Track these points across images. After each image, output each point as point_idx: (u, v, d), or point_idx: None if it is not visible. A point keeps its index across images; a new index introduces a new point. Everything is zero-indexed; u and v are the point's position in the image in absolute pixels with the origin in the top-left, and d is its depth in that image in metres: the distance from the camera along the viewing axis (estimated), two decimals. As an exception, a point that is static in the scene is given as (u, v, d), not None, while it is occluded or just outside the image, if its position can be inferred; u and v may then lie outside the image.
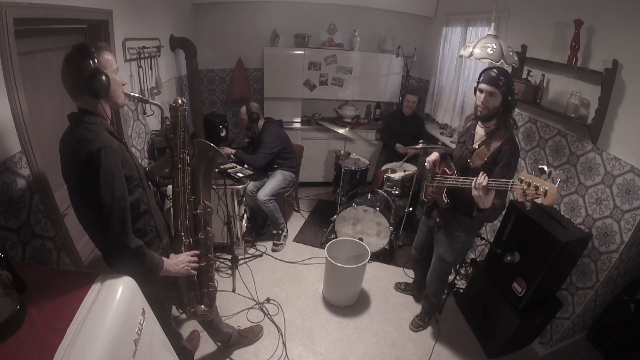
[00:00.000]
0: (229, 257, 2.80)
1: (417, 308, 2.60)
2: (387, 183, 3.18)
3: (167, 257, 1.37)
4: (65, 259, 1.58)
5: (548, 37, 2.28)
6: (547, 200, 1.29)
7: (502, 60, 2.10)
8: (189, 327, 2.29)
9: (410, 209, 3.07)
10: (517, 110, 2.55)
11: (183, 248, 1.45)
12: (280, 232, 3.25)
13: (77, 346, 0.84)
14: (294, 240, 3.36)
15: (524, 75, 2.40)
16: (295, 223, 3.63)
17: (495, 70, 1.68)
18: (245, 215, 3.22)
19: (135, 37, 2.30)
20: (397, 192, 3.14)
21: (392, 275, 2.97)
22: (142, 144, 2.51)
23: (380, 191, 3.15)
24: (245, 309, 2.50)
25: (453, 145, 3.12)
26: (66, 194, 1.21)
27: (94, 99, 1.15)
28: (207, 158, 1.55)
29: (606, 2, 1.89)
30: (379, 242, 3.04)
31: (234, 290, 2.65)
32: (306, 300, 2.65)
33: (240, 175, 2.73)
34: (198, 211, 1.51)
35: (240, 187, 2.77)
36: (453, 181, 1.81)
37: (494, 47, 2.10)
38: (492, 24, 2.24)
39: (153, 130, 2.69)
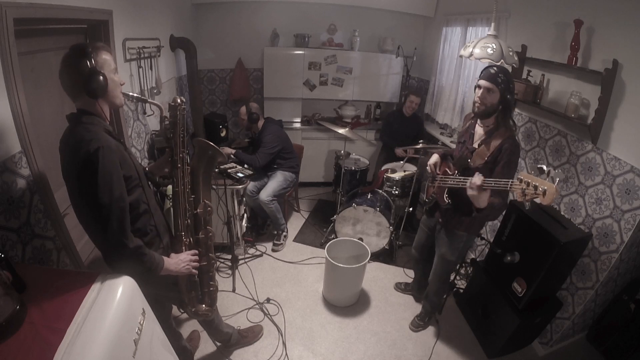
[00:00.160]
0: (229, 257, 2.80)
1: (417, 308, 2.60)
2: (387, 183, 3.18)
3: (168, 256, 1.37)
4: (65, 259, 1.58)
5: (548, 37, 2.28)
6: (546, 199, 1.29)
7: (502, 60, 2.10)
8: (189, 327, 2.29)
9: (410, 209, 3.07)
10: (517, 110, 2.55)
11: (184, 247, 1.45)
12: (281, 232, 3.25)
13: (77, 346, 0.84)
14: (294, 240, 3.36)
15: (524, 75, 2.40)
16: (295, 223, 3.63)
17: (494, 68, 1.69)
18: (245, 215, 3.22)
19: (135, 37, 2.30)
20: (397, 192, 3.14)
21: (392, 275, 2.97)
22: (142, 144, 2.51)
23: (380, 191, 3.15)
24: (245, 309, 2.50)
25: (453, 145, 3.12)
26: (66, 194, 1.21)
27: (91, 99, 1.15)
28: (206, 157, 1.55)
29: (606, 2, 1.89)
30: (379, 242, 3.04)
31: (234, 290, 2.66)
32: (306, 300, 2.65)
33: (240, 175, 2.73)
34: (198, 210, 1.51)
35: (240, 187, 2.77)
36: (453, 181, 1.81)
37: (494, 47, 2.10)
38: (492, 24, 2.24)
39: (153, 130, 2.69)
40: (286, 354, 2.20)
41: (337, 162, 3.63)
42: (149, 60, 2.53)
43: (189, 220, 1.48)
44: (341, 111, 4.32)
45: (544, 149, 2.37)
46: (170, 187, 1.51)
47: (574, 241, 1.91)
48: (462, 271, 2.91)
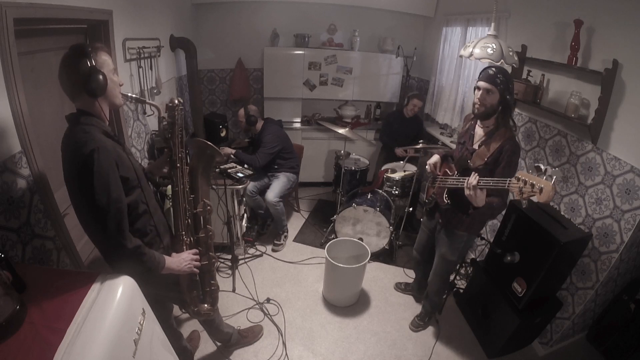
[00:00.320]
0: (229, 257, 2.80)
1: (417, 308, 2.60)
2: (387, 183, 3.17)
3: (169, 256, 1.37)
4: (65, 259, 1.58)
5: (548, 37, 2.28)
6: (542, 197, 1.29)
7: (502, 60, 2.10)
8: (189, 327, 2.29)
9: (410, 209, 3.07)
10: (517, 110, 2.55)
11: (185, 247, 1.46)
12: (281, 232, 3.26)
13: (77, 346, 0.84)
14: (294, 240, 3.36)
15: (524, 75, 2.40)
16: (295, 223, 3.63)
17: (493, 69, 1.69)
18: (245, 215, 3.22)
19: (135, 37, 2.30)
20: (397, 192, 3.14)
21: (392, 275, 2.97)
22: (142, 144, 2.51)
23: (380, 191, 3.15)
24: (245, 309, 2.50)
25: (453, 145, 3.13)
26: (66, 194, 1.21)
27: (91, 98, 1.15)
28: (205, 157, 1.56)
29: (606, 2, 1.89)
30: (379, 242, 3.04)
31: (234, 290, 2.66)
32: (306, 300, 2.65)
33: (240, 175, 2.73)
34: (198, 210, 1.52)
35: (240, 187, 2.78)
36: (453, 182, 1.81)
37: (494, 47, 2.10)
38: (492, 24, 2.24)
39: (153, 130, 2.69)
40: (286, 354, 2.20)
41: (337, 162, 3.63)
42: (149, 60, 2.53)
43: (189, 220, 1.48)
44: (341, 111, 4.32)
45: (544, 149, 2.37)
46: (169, 187, 1.51)
47: (574, 241, 1.91)
48: (462, 271, 2.91)
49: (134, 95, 1.44)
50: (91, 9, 1.76)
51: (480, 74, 1.75)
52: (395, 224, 3.08)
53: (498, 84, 1.65)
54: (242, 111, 3.10)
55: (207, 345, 2.20)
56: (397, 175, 3.16)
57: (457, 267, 2.70)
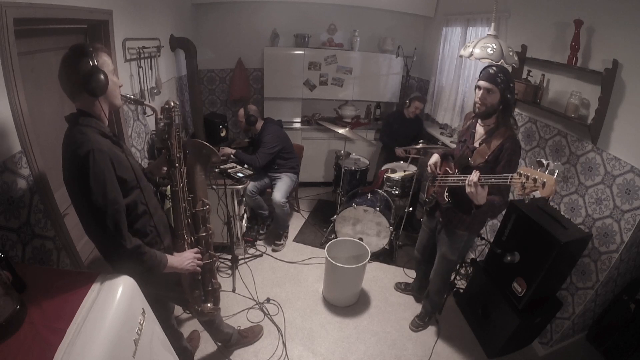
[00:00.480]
0: (229, 257, 2.80)
1: (417, 308, 2.60)
2: (387, 183, 3.17)
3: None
4: (65, 259, 1.58)
5: (548, 37, 2.28)
6: (545, 191, 1.27)
7: (502, 60, 2.10)
8: (189, 327, 2.29)
9: (410, 209, 3.07)
10: (517, 110, 2.55)
11: (186, 246, 1.46)
12: (282, 232, 3.26)
13: (77, 346, 0.84)
14: (294, 240, 3.36)
15: (524, 75, 2.40)
16: (295, 223, 3.63)
17: (493, 68, 1.69)
18: (245, 215, 3.23)
19: (135, 37, 2.30)
20: (397, 192, 3.14)
21: (392, 275, 2.97)
22: (142, 144, 2.51)
23: (380, 191, 3.15)
24: (245, 309, 2.50)
25: (453, 145, 3.13)
26: (66, 194, 1.21)
27: (92, 98, 1.15)
28: (202, 156, 1.59)
29: (606, 2, 1.89)
30: (379, 242, 3.04)
31: (234, 290, 2.66)
32: (306, 300, 2.65)
33: (240, 175, 2.73)
34: (197, 209, 1.53)
35: (240, 187, 2.77)
36: (453, 180, 1.81)
37: (494, 47, 2.10)
38: (492, 24, 2.24)
39: (153, 130, 2.69)
40: (286, 354, 2.20)
41: (337, 162, 3.63)
42: (149, 60, 2.53)
43: (188, 220, 1.49)
44: (341, 111, 4.32)
45: (544, 149, 2.37)
46: (169, 187, 1.52)
47: (574, 241, 1.90)
48: (462, 271, 2.91)
49: (131, 97, 1.44)
50: (91, 9, 1.76)
51: (480, 73, 1.75)
52: (395, 224, 3.08)
53: (499, 83, 1.65)
54: (241, 111, 3.10)
55: (207, 345, 2.20)
56: (397, 175, 3.16)
57: (457, 267, 2.70)
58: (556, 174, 1.26)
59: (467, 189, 1.59)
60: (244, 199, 3.07)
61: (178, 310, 2.29)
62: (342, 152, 3.40)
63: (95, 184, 1.09)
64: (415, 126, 3.70)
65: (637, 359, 2.00)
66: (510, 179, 1.43)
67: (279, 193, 3.03)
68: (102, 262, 1.26)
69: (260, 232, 3.36)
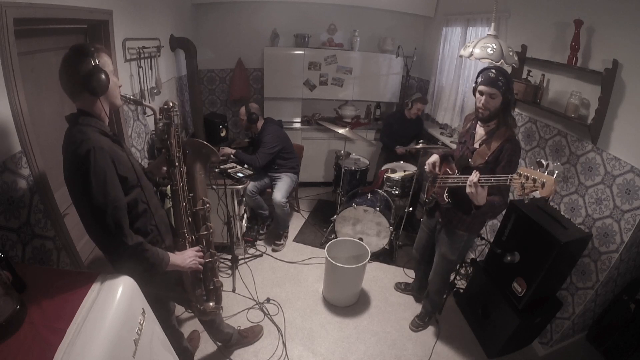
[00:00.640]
0: (229, 257, 2.80)
1: (417, 308, 2.60)
2: (387, 183, 3.17)
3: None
4: (65, 259, 1.58)
5: (548, 37, 2.28)
6: (545, 191, 1.28)
7: (502, 60, 2.10)
8: (189, 327, 2.29)
9: (410, 209, 3.07)
10: (517, 110, 2.55)
11: (187, 245, 1.47)
12: (282, 232, 3.26)
13: (77, 346, 0.84)
14: (294, 240, 3.36)
15: (524, 75, 2.40)
16: (295, 223, 3.63)
17: (493, 71, 1.68)
18: (245, 215, 3.22)
19: (135, 37, 2.30)
20: (397, 192, 3.14)
21: (392, 275, 2.97)
22: (142, 144, 2.51)
23: (380, 191, 3.15)
24: (245, 309, 2.50)
25: (453, 146, 3.13)
26: (66, 194, 1.22)
27: (93, 97, 1.16)
28: (201, 155, 1.60)
29: (606, 2, 1.89)
30: (379, 242, 3.04)
31: (234, 290, 2.66)
32: (306, 300, 2.65)
33: (240, 175, 2.73)
34: (197, 208, 1.54)
35: (240, 187, 2.77)
36: (453, 180, 1.81)
37: (494, 47, 2.10)
38: (492, 24, 2.23)
39: (153, 130, 2.69)
40: (286, 354, 2.20)
41: (337, 162, 3.63)
42: (149, 60, 2.53)
43: (189, 219, 1.50)
44: (341, 111, 4.32)
45: (544, 149, 2.37)
46: (169, 186, 1.53)
47: (574, 241, 1.90)
48: (462, 271, 2.91)
49: (131, 97, 1.45)
50: (91, 9, 1.76)
51: (478, 75, 1.74)
52: (395, 224, 3.08)
53: (500, 87, 1.65)
54: (243, 109, 3.10)
55: (207, 345, 2.20)
56: (397, 175, 3.16)
57: (457, 267, 2.70)
58: (555, 174, 1.26)
59: (467, 190, 1.59)
60: (244, 199, 3.07)
61: (178, 310, 2.29)
62: (342, 152, 3.40)
63: (96, 182, 1.09)
64: (415, 126, 3.69)
65: (637, 359, 2.00)
66: (510, 179, 1.43)
67: (280, 193, 3.03)
68: (102, 262, 1.26)
69: (260, 232, 3.37)
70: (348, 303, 2.63)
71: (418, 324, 2.45)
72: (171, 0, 3.07)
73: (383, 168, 3.38)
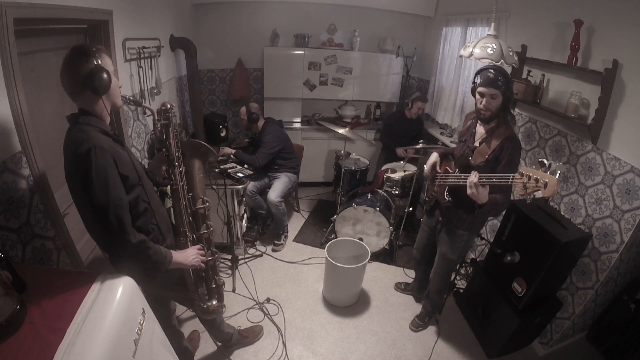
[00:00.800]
0: (229, 257, 2.80)
1: (417, 308, 2.60)
2: (387, 183, 3.17)
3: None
4: (65, 259, 1.58)
5: (548, 37, 2.28)
6: (547, 192, 1.28)
7: (502, 60, 2.10)
8: (189, 327, 2.29)
9: (410, 209, 3.07)
10: (517, 110, 2.55)
11: (189, 243, 1.47)
12: (281, 232, 3.26)
13: (77, 346, 0.84)
14: (294, 240, 3.36)
15: (524, 75, 2.40)
16: (295, 223, 3.63)
17: (492, 71, 1.67)
18: (245, 215, 3.22)
19: (135, 37, 2.30)
20: (397, 192, 3.14)
21: (392, 275, 2.97)
22: (142, 144, 2.51)
23: (380, 191, 3.15)
24: (245, 309, 2.50)
25: (453, 145, 3.13)
26: (66, 194, 1.22)
27: (95, 96, 1.16)
28: (199, 155, 1.62)
29: (606, 2, 1.89)
30: (379, 242, 3.04)
31: (234, 290, 2.66)
32: (306, 300, 2.65)
33: (240, 175, 2.73)
34: (197, 207, 1.54)
35: (240, 187, 2.77)
36: (453, 179, 1.81)
37: (494, 47, 2.10)
38: (492, 24, 2.24)
39: (153, 130, 2.68)
40: (286, 354, 2.20)
41: (337, 162, 3.63)
42: (149, 60, 2.53)
43: (190, 218, 1.50)
44: (341, 111, 4.32)
45: (544, 149, 2.37)
46: (169, 186, 1.53)
47: (574, 241, 1.91)
48: (462, 271, 2.91)
49: (130, 98, 1.46)
50: (91, 9, 1.76)
51: (477, 75, 1.74)
52: (395, 224, 3.08)
53: (500, 87, 1.65)
54: (243, 109, 3.10)
55: (207, 345, 2.20)
56: (397, 175, 3.17)
57: (457, 267, 2.70)
58: (558, 174, 1.26)
59: (468, 191, 1.59)
60: (244, 199, 3.07)
61: (178, 310, 2.29)
62: (342, 152, 3.40)
63: (97, 181, 1.09)
64: (415, 126, 3.69)
65: (637, 359, 1.99)
66: (512, 179, 1.43)
67: (274, 193, 3.03)
68: (102, 262, 1.26)
69: (260, 232, 3.36)
70: (348, 303, 2.63)
71: (418, 324, 2.45)
72: (171, 0, 3.07)
73: (383, 168, 3.38)
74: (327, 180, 4.36)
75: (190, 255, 1.40)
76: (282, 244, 3.23)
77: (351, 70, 4.04)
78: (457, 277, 2.78)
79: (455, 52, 3.46)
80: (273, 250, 3.17)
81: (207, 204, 1.58)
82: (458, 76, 3.42)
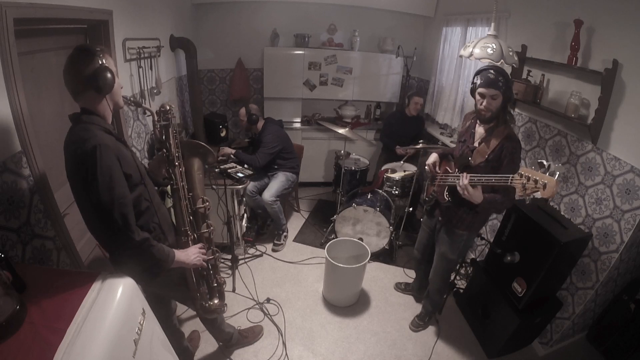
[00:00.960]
0: (229, 257, 2.80)
1: (417, 308, 2.60)
2: (387, 183, 3.17)
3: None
4: (65, 259, 1.58)
5: (548, 37, 2.28)
6: (546, 193, 1.28)
7: (502, 60, 2.10)
8: (190, 326, 2.29)
9: (410, 209, 3.07)
10: (517, 110, 2.55)
11: (190, 242, 1.47)
12: (281, 232, 3.26)
13: (77, 346, 0.85)
14: (294, 240, 3.36)
15: (524, 75, 2.40)
16: (295, 223, 3.63)
17: (492, 72, 1.68)
18: (245, 215, 3.22)
19: (135, 37, 2.30)
20: (397, 192, 3.14)
21: (392, 275, 2.97)
22: (142, 144, 2.51)
23: (380, 191, 3.15)
24: (245, 309, 2.50)
25: (453, 145, 3.12)
26: (66, 194, 1.22)
27: (98, 95, 1.17)
28: (198, 155, 1.63)
29: (606, 2, 1.89)
30: (379, 242, 3.04)
31: (234, 290, 2.66)
32: (306, 300, 2.65)
33: (240, 175, 2.73)
34: (197, 206, 1.55)
35: (240, 187, 2.77)
36: (454, 179, 1.82)
37: (494, 47, 2.11)
38: (492, 24, 2.24)
39: (153, 131, 2.69)
40: (286, 354, 2.20)
41: (337, 162, 3.63)
42: (149, 60, 2.53)
43: (190, 217, 1.50)
44: (341, 111, 4.32)
45: (544, 149, 2.37)
46: (169, 186, 1.54)
47: (574, 241, 1.91)
48: (462, 271, 2.91)
49: (130, 98, 1.46)
50: (91, 9, 1.76)
51: (476, 76, 1.74)
52: (395, 224, 3.08)
53: (500, 87, 1.65)
54: (243, 110, 3.10)
55: (207, 345, 2.20)
56: (397, 175, 3.16)
57: (457, 267, 2.70)
58: (557, 175, 1.26)
59: (460, 192, 1.61)
60: (244, 199, 3.06)
61: (179, 310, 2.29)
62: (342, 152, 3.40)
63: (102, 179, 1.09)
64: (415, 125, 3.70)
65: (637, 359, 1.99)
66: (511, 179, 1.43)
67: (269, 192, 3.03)
68: (102, 262, 1.26)
69: (260, 232, 3.36)
70: (348, 303, 2.63)
71: (418, 324, 2.45)
72: (171, 0, 3.07)
73: (383, 168, 3.38)
74: (327, 180, 4.36)
75: (192, 254, 1.41)
76: (282, 244, 3.23)
77: (351, 70, 4.04)
78: (457, 277, 2.78)
79: (455, 52, 3.46)
80: (273, 250, 3.17)
81: (207, 203, 1.59)
82: (458, 76, 3.42)
